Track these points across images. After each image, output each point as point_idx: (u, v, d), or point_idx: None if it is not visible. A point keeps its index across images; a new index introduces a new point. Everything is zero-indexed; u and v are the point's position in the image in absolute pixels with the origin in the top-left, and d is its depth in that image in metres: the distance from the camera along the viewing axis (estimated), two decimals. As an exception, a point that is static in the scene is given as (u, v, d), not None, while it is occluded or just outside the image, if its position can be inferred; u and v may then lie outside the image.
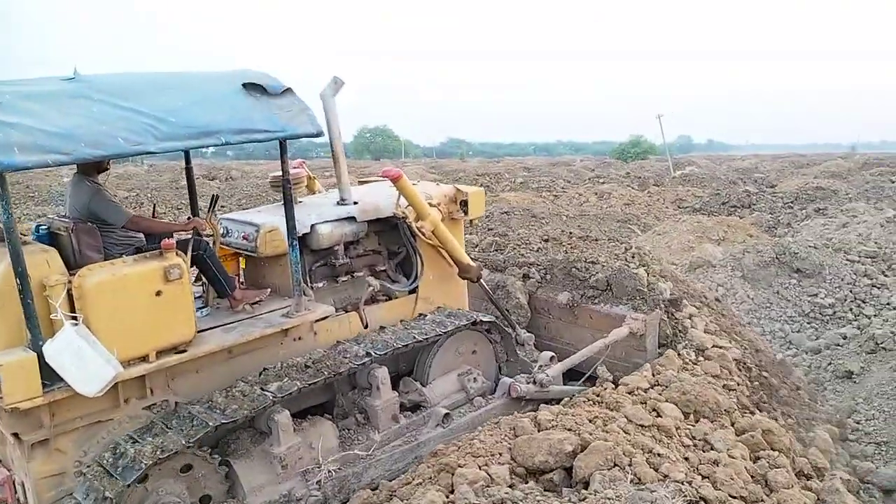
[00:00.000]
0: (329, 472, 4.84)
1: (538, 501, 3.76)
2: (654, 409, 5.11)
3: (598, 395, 5.39)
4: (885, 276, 10.40)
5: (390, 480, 4.77)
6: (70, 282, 4.03)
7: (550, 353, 6.38)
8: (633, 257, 7.43)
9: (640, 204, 20.29)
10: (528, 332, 6.97)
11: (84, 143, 3.80)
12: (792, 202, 19.24)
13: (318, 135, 4.90)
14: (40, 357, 3.87)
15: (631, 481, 3.87)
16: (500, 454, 4.37)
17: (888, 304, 9.55)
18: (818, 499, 4.63)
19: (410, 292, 6.20)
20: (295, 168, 6.07)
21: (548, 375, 6.03)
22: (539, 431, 4.58)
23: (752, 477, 4.46)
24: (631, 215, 17.00)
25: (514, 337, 6.48)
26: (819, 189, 20.42)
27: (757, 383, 6.21)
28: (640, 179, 28.79)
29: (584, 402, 5.29)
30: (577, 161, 51.33)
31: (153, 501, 4.22)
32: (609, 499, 3.58)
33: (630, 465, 4.01)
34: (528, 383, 5.95)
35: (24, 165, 3.63)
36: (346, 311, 5.74)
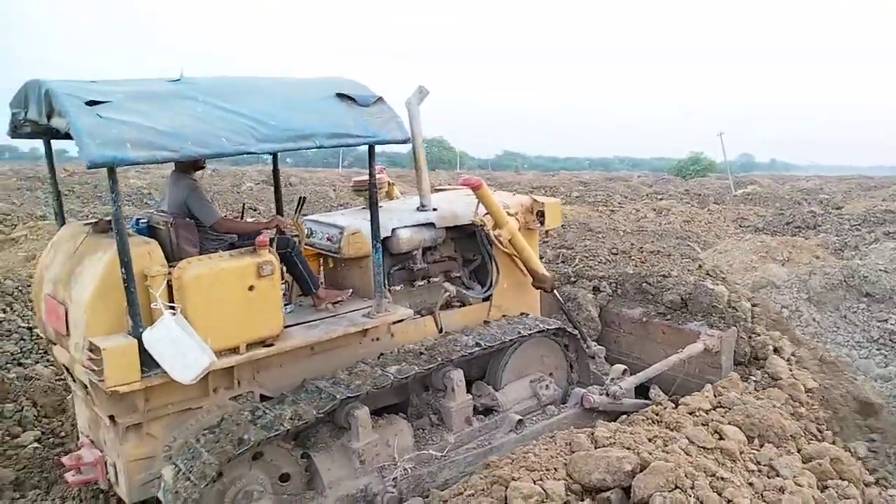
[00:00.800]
0: (405, 469, 4.94)
1: (595, 520, 3.63)
2: (716, 431, 4.93)
3: (657, 415, 5.24)
4: (960, 303, 9.93)
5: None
6: (170, 273, 4.22)
7: (623, 367, 6.35)
8: (707, 274, 7.26)
9: (701, 221, 19.82)
10: (599, 345, 6.93)
11: (191, 141, 4.01)
12: (859, 224, 18.52)
13: (406, 141, 5.07)
14: (140, 343, 4.04)
15: (693, 505, 3.71)
16: (556, 469, 4.25)
17: (964, 332, 9.10)
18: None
19: (484, 299, 6.31)
20: (377, 174, 6.30)
21: (621, 388, 6.01)
22: (596, 448, 4.45)
23: (820, 507, 4.26)
24: (691, 232, 16.62)
25: (585, 348, 6.51)
26: (888, 212, 19.62)
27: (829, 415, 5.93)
28: (700, 197, 28.19)
29: (642, 420, 5.14)
30: (635, 177, 50.58)
31: (247, 482, 4.43)
32: (671, 522, 3.43)
33: (692, 489, 3.86)
34: (601, 395, 5.95)
35: (135, 160, 3.82)
36: (422, 315, 5.88)
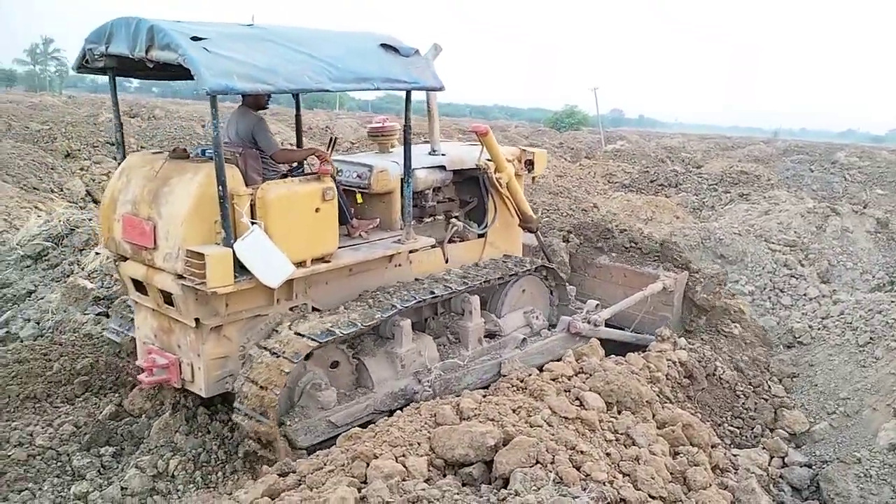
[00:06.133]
0: (438, 373, 5.83)
1: (455, 500, 3.56)
2: (577, 399, 5.00)
3: (521, 381, 5.25)
4: (802, 265, 10.67)
5: (483, 388, 5.67)
6: (253, 194, 4.80)
7: (596, 301, 7.45)
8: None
9: (573, 177, 20.26)
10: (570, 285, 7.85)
11: (283, 77, 4.68)
12: (716, 184, 19.55)
13: (441, 89, 5.83)
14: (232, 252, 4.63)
15: (553, 481, 3.72)
16: (419, 444, 4.15)
17: (805, 294, 9.80)
18: (734, 498, 4.62)
19: (479, 236, 7.17)
20: (389, 122, 7.18)
21: (600, 317, 7.11)
22: (461, 420, 4.40)
23: (671, 475, 4.40)
24: (563, 188, 16.96)
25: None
26: (743, 173, 20.85)
27: (687, 380, 6.19)
28: (573, 151, 28.90)
29: (507, 388, 5.15)
30: (512, 127, 51.28)
31: (311, 377, 5.22)
32: (530, 503, 3.41)
33: (552, 463, 3.86)
34: (584, 322, 6.98)
35: (242, 90, 4.55)
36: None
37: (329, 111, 56.54)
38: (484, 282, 6.35)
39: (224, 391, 5.14)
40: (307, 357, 5.07)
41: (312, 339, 4.94)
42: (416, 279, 6.17)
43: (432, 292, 5.86)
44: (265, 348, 5.01)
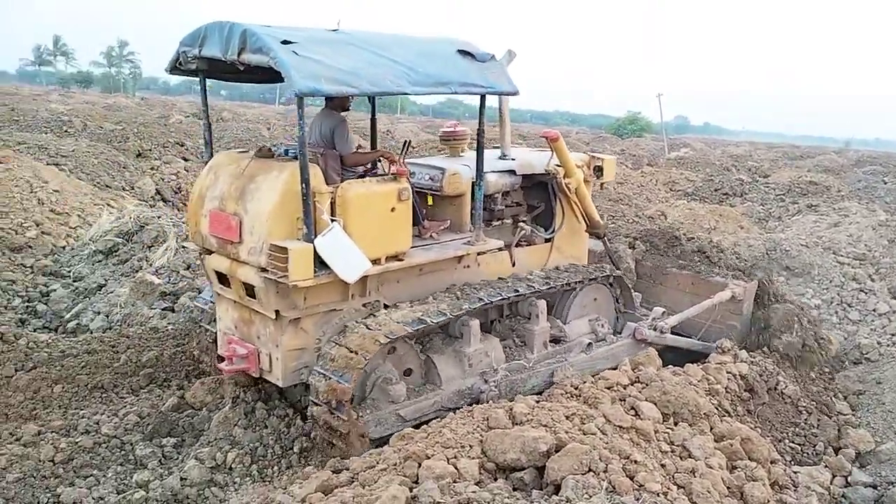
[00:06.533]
0: (504, 374, 5.84)
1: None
2: (632, 408, 4.95)
3: (576, 388, 5.22)
4: (872, 280, 10.27)
5: (537, 394, 5.68)
6: (333, 192, 4.96)
7: (662, 309, 7.39)
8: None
9: (633, 184, 19.95)
10: (635, 292, 7.84)
11: (366, 80, 4.85)
12: (784, 195, 18.97)
13: (516, 93, 5.91)
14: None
15: (605, 489, 3.69)
16: (471, 446, 4.17)
17: (874, 310, 9.42)
18: (793, 516, 4.50)
19: (546, 240, 7.17)
20: (460, 127, 7.24)
21: (666, 324, 7.05)
22: (514, 425, 4.40)
23: (728, 489, 4.31)
24: (623, 195, 16.74)
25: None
26: (812, 184, 20.18)
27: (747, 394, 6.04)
28: (635, 158, 28.47)
29: (561, 395, 5.12)
30: (573, 133, 50.83)
31: (383, 371, 5.29)
32: (582, 511, 3.39)
33: (605, 472, 3.83)
34: (650, 329, 6.94)
35: (328, 92, 4.74)
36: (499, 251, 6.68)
37: (390, 115, 57.17)
38: (565, 284, 6.50)
39: (299, 381, 5.32)
40: (391, 351, 5.33)
41: (406, 326, 5.17)
42: (500, 278, 6.31)
43: (516, 290, 6.00)
44: (363, 323, 5.24)
